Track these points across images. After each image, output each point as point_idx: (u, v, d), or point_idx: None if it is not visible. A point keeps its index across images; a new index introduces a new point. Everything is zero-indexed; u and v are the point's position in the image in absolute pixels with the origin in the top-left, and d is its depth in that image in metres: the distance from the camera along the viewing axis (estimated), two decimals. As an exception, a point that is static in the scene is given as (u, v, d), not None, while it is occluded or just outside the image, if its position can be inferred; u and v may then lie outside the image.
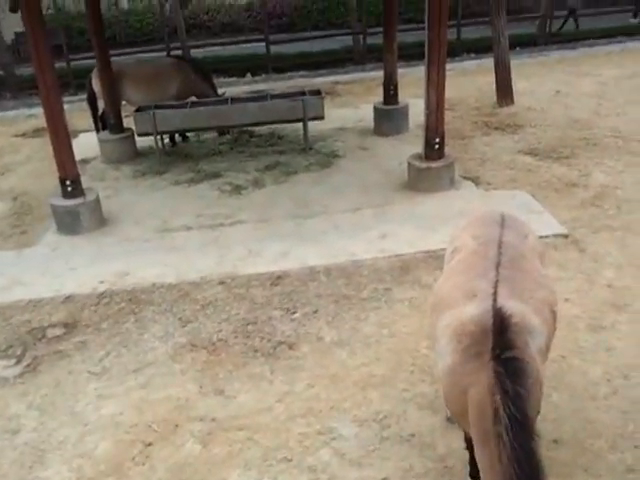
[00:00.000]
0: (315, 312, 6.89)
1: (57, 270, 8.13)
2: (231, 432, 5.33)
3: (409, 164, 9.80)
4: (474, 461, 4.03)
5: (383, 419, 5.36)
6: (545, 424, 5.06)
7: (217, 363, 6.19)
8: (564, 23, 22.36)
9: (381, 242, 8.22)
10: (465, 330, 3.73)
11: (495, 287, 3.87)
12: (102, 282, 7.72)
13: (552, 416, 5.21)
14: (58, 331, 6.91)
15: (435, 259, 7.59)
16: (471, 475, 4.46)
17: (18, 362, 6.44)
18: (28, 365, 6.41)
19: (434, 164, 9.55)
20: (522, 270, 4.15)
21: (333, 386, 5.79)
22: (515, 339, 3.55)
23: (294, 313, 6.90)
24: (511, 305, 3.72)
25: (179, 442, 5.27)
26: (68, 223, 9.10)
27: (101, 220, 9.38)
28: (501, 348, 3.47)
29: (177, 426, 5.43)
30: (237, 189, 10.33)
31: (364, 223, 8.79)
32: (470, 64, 18.43)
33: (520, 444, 3.22)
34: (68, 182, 9.03)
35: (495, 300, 3.75)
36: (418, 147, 9.93)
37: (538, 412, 3.78)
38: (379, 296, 7.11)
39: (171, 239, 8.80)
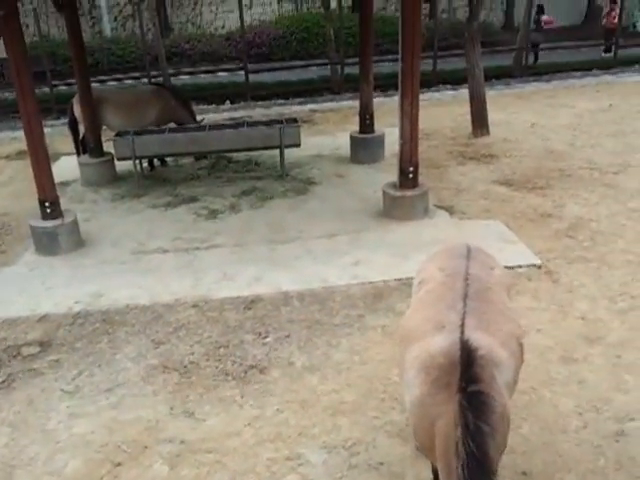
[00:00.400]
0: (287, 337, 6.92)
1: (34, 290, 8.15)
2: (200, 454, 5.34)
3: (384, 192, 9.89)
4: None
5: (352, 446, 5.34)
6: (514, 456, 5.07)
7: (188, 385, 6.21)
8: (536, 56, 22.71)
9: (354, 268, 8.28)
10: (434, 362, 3.72)
11: (462, 319, 3.88)
12: (77, 302, 7.74)
13: (522, 448, 5.19)
14: (33, 349, 6.91)
15: (408, 287, 7.51)
16: None
17: (-8, 380, 6.45)
18: (2, 382, 6.41)
19: (408, 192, 9.64)
20: (489, 302, 4.16)
21: (303, 412, 5.79)
22: (481, 372, 3.54)
23: (266, 337, 6.93)
24: (478, 337, 3.73)
25: (147, 463, 5.28)
26: (46, 244, 9.12)
27: (79, 241, 9.40)
28: (467, 381, 3.47)
29: (146, 447, 5.44)
30: (213, 213, 10.40)
31: (338, 249, 8.86)
32: (446, 95, 18.68)
33: None
34: (47, 204, 9.07)
35: (462, 332, 3.75)
36: (393, 175, 10.01)
37: (505, 446, 3.75)
38: (352, 322, 7.14)
39: (147, 261, 8.83)
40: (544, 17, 23.08)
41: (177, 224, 10.05)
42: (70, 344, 6.98)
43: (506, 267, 7.79)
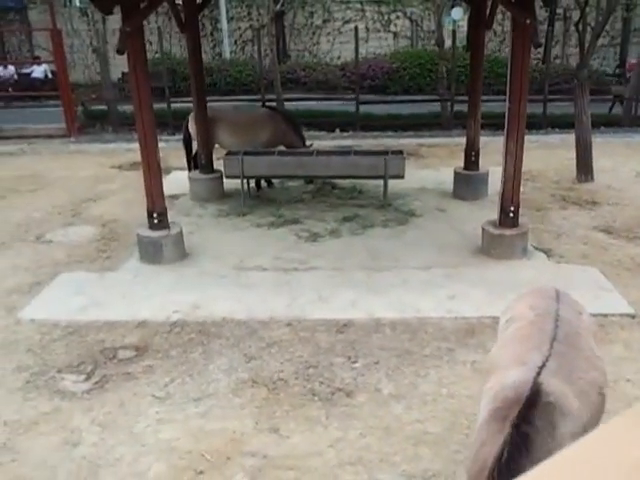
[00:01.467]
0: (376, 363, 6.78)
1: (135, 296, 8.31)
2: (281, 471, 5.25)
3: (483, 229, 9.69)
4: None
5: (431, 477, 5.17)
6: None
7: (275, 402, 6.15)
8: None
9: (449, 302, 8.08)
10: (501, 394, 3.70)
11: (545, 361, 3.78)
12: (176, 311, 7.84)
13: None
14: (129, 353, 7.02)
15: (501, 325, 7.43)
16: None
17: (87, 379, 6.56)
18: (96, 382, 6.51)
19: (508, 232, 9.42)
20: (576, 347, 4.04)
21: (386, 438, 5.64)
22: (539, 418, 3.47)
23: (355, 362, 6.81)
24: (553, 383, 3.63)
25: (229, 474, 5.22)
26: (151, 253, 9.32)
27: (182, 253, 9.56)
28: (523, 420, 3.42)
29: (229, 458, 5.39)
30: (314, 236, 10.41)
31: (434, 281, 8.68)
32: (554, 138, 18.22)
33: None
34: (155, 215, 9.28)
35: (539, 373, 3.66)
36: (494, 214, 9.80)
37: None
38: (441, 355, 6.95)
39: (246, 277, 8.88)
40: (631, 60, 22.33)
41: (278, 244, 10.09)
42: (165, 351, 7.05)
43: (600, 315, 7.60)
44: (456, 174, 12.69)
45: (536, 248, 9.84)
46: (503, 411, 3.57)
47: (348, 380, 6.49)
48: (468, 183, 12.49)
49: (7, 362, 6.87)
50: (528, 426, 3.39)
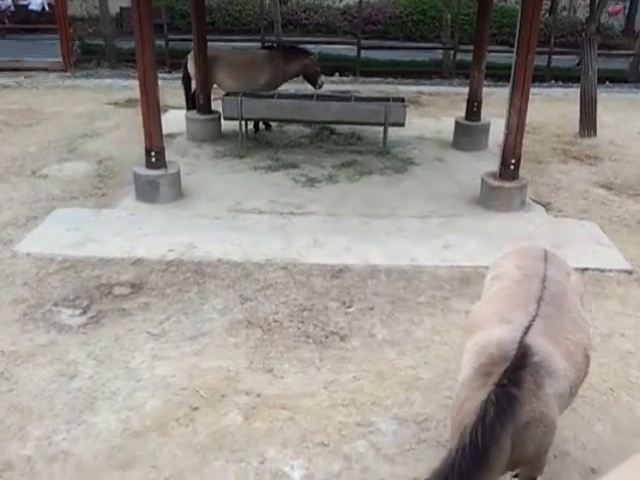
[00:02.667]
0: (371, 309, 6.90)
1: (130, 234, 8.36)
2: (274, 410, 5.38)
3: (482, 180, 9.73)
4: None
5: (423, 422, 5.32)
6: (585, 453, 5.04)
7: (270, 343, 6.27)
8: None
9: (444, 251, 8.17)
10: (486, 350, 3.77)
11: (531, 321, 3.84)
12: (171, 250, 7.90)
13: (593, 446, 5.13)
14: (124, 290, 7.10)
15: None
16: None
17: (83, 313, 6.66)
18: (92, 317, 6.61)
19: (507, 184, 9.47)
20: (563, 309, 4.11)
21: (378, 382, 5.78)
22: (526, 379, 3.53)
23: (350, 307, 6.92)
24: (539, 343, 3.71)
25: (223, 411, 5.35)
26: (147, 192, 9.34)
27: (178, 193, 9.59)
28: (508, 380, 3.46)
29: (223, 396, 5.52)
30: (311, 181, 10.42)
31: (430, 231, 8.75)
32: (557, 91, 18.11)
33: (463, 470, 3.23)
34: (153, 153, 9.26)
35: (526, 334, 3.73)
36: (494, 165, 9.84)
37: (541, 453, 3.78)
38: (436, 303, 7.07)
39: (242, 220, 8.93)
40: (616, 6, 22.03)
41: (275, 188, 10.12)
42: (160, 289, 7.13)
43: (597, 270, 7.79)
44: (457, 124, 12.65)
45: (535, 201, 9.90)
46: (487, 367, 3.65)
47: (342, 324, 6.61)
48: (469, 133, 12.47)
49: (4, 295, 6.95)
50: (514, 387, 3.44)
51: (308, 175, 10.66)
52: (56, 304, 6.80)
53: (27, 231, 8.39)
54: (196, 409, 5.37)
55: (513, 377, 3.46)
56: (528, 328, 3.76)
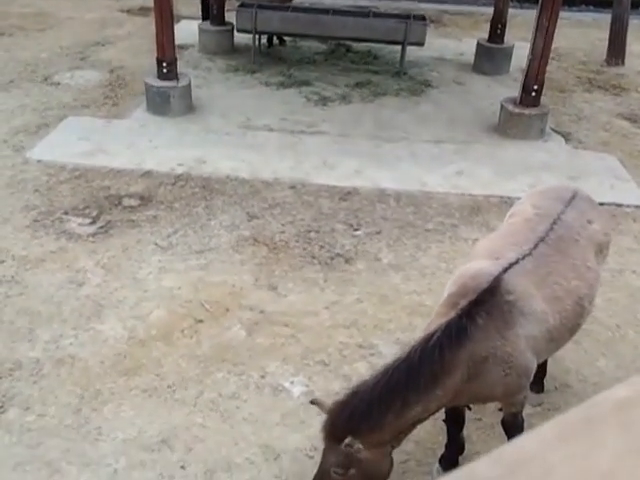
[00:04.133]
0: (378, 233, 7.06)
1: (140, 145, 8.53)
2: (277, 326, 5.64)
3: (502, 106, 9.68)
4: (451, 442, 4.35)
5: (424, 347, 5.56)
6: (586, 385, 5.24)
7: (275, 261, 6.48)
8: None
9: (457, 178, 8.27)
10: (461, 280, 3.84)
11: (520, 259, 3.84)
12: (180, 165, 8.07)
13: (595, 379, 5.31)
14: (133, 202, 7.32)
15: (509, 205, 7.50)
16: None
17: (93, 222, 6.90)
18: (101, 227, 6.85)
19: (527, 111, 9.42)
20: (564, 253, 4.05)
21: (381, 306, 5.99)
22: (493, 314, 3.58)
23: (357, 230, 7.09)
24: (518, 282, 3.72)
25: (227, 325, 5.63)
26: (158, 103, 9.42)
27: (189, 106, 9.67)
28: (472, 310, 3.53)
29: (228, 310, 5.78)
30: (324, 100, 10.44)
31: (443, 157, 8.83)
32: (587, 17, 17.72)
33: (391, 383, 3.41)
34: (164, 64, 9.30)
35: (506, 270, 3.73)
36: (515, 91, 9.77)
37: (508, 393, 3.84)
38: (444, 230, 7.21)
39: (252, 137, 9.04)
40: None
41: (286, 105, 10.16)
42: (169, 203, 7.33)
43: (613, 204, 7.82)
44: (479, 46, 12.46)
45: (554, 131, 9.88)
46: (455, 297, 3.73)
47: (348, 247, 6.80)
48: (491, 57, 12.31)
49: (15, 201, 7.19)
50: (468, 318, 3.51)
51: (321, 94, 10.67)
52: (66, 212, 7.03)
53: (38, 138, 8.57)
54: (200, 321, 5.64)
55: (477, 309, 3.54)
56: (512, 265, 3.78)
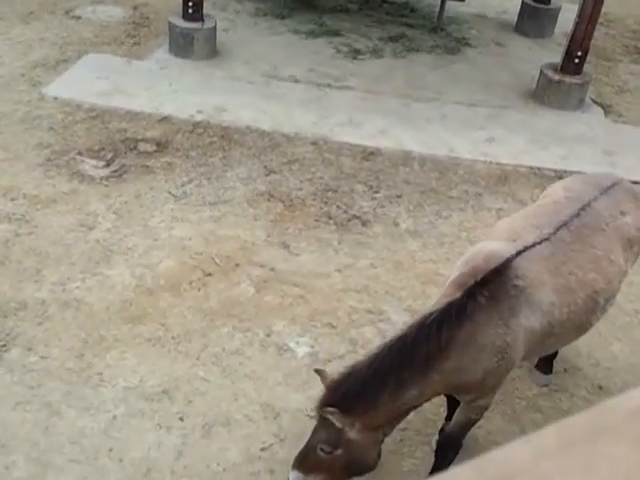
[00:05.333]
0: (398, 197, 7.19)
1: (160, 89, 8.66)
2: (286, 285, 5.84)
3: (541, 72, 9.64)
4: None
5: (435, 317, 5.71)
6: (597, 369, 5.35)
7: (290, 219, 6.66)
8: None
9: (486, 145, 8.33)
10: (473, 259, 3.85)
11: (537, 243, 3.81)
12: (200, 112, 8.20)
13: (607, 364, 5.43)
14: (150, 147, 7.50)
15: (538, 177, 7.72)
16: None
17: (107, 165, 7.10)
18: (115, 171, 7.06)
19: (568, 79, 9.36)
20: (587, 243, 3.98)
21: (395, 272, 6.15)
22: (499, 298, 3.59)
23: (377, 192, 7.22)
24: (530, 269, 3.69)
25: (236, 280, 5.84)
26: (181, 45, 9.51)
27: (213, 50, 9.76)
28: (475, 289, 3.56)
29: (238, 265, 5.99)
30: (354, 53, 10.46)
31: (474, 121, 8.87)
32: (644, -20, 17.47)
33: (386, 358, 3.51)
34: (190, 3, 9.35)
35: (519, 254, 3.70)
36: (557, 56, 9.72)
37: (479, 380, 3.76)
38: (468, 199, 7.31)
39: (276, 87, 9.14)
40: None
41: (314, 56, 10.20)
42: (185, 151, 7.50)
43: None
44: (524, 5, 12.26)
45: (594, 102, 9.85)
46: (465, 277, 3.71)
47: (366, 209, 6.95)
48: (535, 17, 12.13)
49: (29, 137, 7.39)
50: (470, 301, 3.53)
51: (352, 45, 10.68)
52: (80, 153, 7.23)
53: (57, 74, 8.72)
54: (209, 275, 5.86)
55: (475, 288, 3.57)
56: (528, 248, 3.76)
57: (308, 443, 3.73)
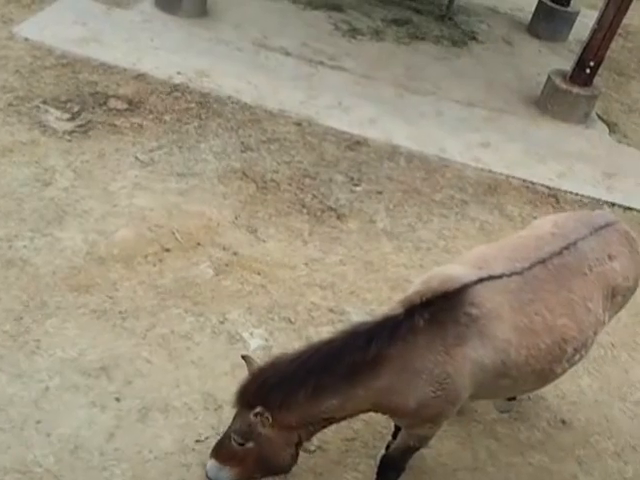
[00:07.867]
0: (379, 193, 7.27)
1: (140, 43, 8.67)
2: (248, 272, 5.91)
3: (548, 78, 9.71)
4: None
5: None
6: (562, 402, 5.47)
7: (261, 202, 6.73)
8: None
9: (480, 150, 8.42)
10: (430, 280, 3.86)
11: (505, 275, 3.80)
12: (180, 73, 8.23)
13: (573, 398, 5.54)
14: (120, 105, 7.52)
15: (530, 192, 7.85)
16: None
17: (72, 119, 7.13)
18: (80, 126, 7.08)
19: (576, 89, 9.42)
20: (562, 284, 3.94)
21: (364, 272, 6.23)
22: (445, 323, 3.59)
23: (357, 185, 7.30)
24: (489, 299, 3.69)
25: (195, 260, 5.91)
26: (168, -1, 9.52)
27: (202, 9, 9.77)
28: (416, 309, 3.58)
29: (199, 244, 6.06)
30: (353, 32, 10.50)
31: (470, 122, 8.97)
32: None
33: (312, 360, 3.55)
34: (182, -47, 9.33)
35: (482, 281, 3.71)
36: (567, 64, 9.85)
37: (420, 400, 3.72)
38: (452, 205, 7.39)
39: (265, 58, 9.17)
40: None
41: (310, 29, 10.23)
42: (159, 114, 7.54)
43: None
44: (540, 4, 12.35)
45: (600, 118, 9.97)
46: (414, 296, 3.71)
47: (343, 202, 7.04)
48: (551, 19, 12.22)
49: (-8, 78, 7.39)
50: (407, 319, 3.56)
51: (352, 23, 10.73)
52: (45, 102, 7.25)
53: (30, 13, 8.70)
54: (168, 250, 5.92)
55: (416, 308, 3.59)
56: (492, 278, 3.75)
57: (226, 431, 3.79)
